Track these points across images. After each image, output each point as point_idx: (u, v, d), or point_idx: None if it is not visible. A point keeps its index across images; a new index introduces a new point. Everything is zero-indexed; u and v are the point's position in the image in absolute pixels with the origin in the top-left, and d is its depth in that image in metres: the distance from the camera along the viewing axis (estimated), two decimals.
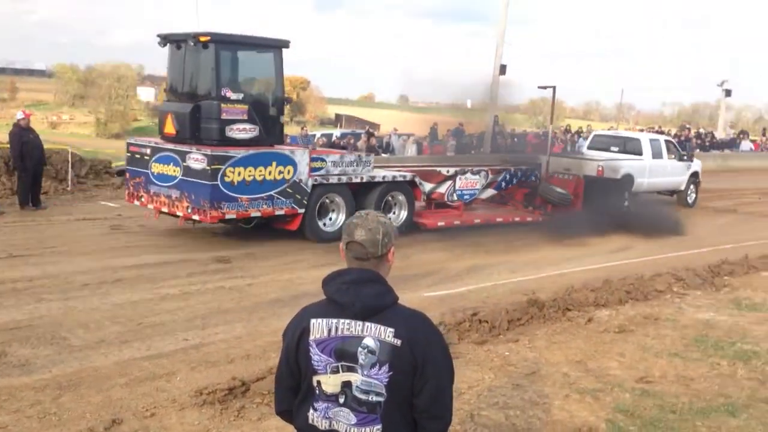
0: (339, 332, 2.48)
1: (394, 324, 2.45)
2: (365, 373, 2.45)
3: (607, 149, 17.85)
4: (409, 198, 12.46)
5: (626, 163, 16.50)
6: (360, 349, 2.45)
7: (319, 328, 2.50)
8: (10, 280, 8.25)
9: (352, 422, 2.49)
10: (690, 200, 18.57)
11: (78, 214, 12.95)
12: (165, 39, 11.46)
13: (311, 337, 2.50)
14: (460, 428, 4.92)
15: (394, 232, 2.58)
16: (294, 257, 10.39)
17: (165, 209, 11.03)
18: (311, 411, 2.54)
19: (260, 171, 10.55)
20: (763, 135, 41.57)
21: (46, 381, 5.50)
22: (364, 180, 11.90)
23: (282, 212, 10.92)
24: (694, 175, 18.62)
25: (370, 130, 29.57)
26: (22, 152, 12.93)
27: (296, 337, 2.53)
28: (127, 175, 11.81)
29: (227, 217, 10.43)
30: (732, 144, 36.32)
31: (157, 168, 11.02)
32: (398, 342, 2.43)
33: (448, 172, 13.41)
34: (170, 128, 11.25)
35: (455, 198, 13.46)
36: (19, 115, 13.46)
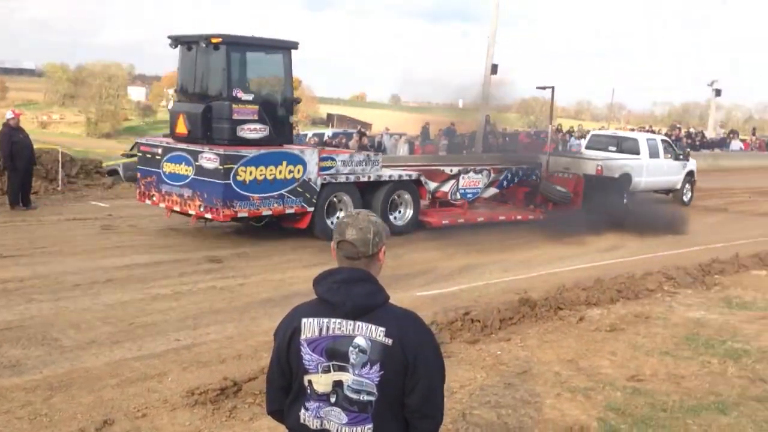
0: (330, 331, 2.48)
1: (386, 323, 2.45)
2: (356, 372, 2.45)
3: (604, 149, 18.11)
4: (414, 197, 12.62)
5: (624, 163, 16.67)
6: (351, 348, 2.45)
7: (310, 327, 2.50)
8: (1, 281, 8.20)
9: (344, 422, 2.48)
10: (686, 199, 18.88)
11: (68, 214, 12.89)
12: (176, 40, 11.56)
13: (302, 337, 2.50)
14: (452, 427, 4.92)
15: (385, 232, 2.58)
16: (286, 257, 10.38)
17: (177, 208, 11.17)
18: (303, 410, 2.54)
19: (271, 170, 10.69)
20: (753, 134, 41.87)
21: (37, 382, 5.48)
22: (372, 179, 12.05)
23: (292, 211, 11.04)
24: (690, 174, 18.95)
25: (362, 130, 29.55)
26: (12, 152, 12.87)
27: (287, 337, 2.53)
28: (139, 174, 11.93)
29: (239, 215, 10.55)
30: (722, 143, 36.54)
31: (168, 167, 11.13)
32: (389, 341, 2.43)
33: (451, 171, 13.61)
34: (182, 128, 11.36)
35: (458, 197, 13.69)
36: (9, 114, 13.39)
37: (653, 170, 17.43)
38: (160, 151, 11.34)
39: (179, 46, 11.55)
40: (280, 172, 10.77)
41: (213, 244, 10.99)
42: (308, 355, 2.49)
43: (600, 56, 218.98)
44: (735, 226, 15.84)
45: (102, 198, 14.89)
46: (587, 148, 18.92)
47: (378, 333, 2.44)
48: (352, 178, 11.76)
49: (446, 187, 13.46)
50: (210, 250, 10.38)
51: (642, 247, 12.52)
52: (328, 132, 27.00)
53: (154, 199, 11.52)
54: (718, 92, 40.55)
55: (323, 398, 2.50)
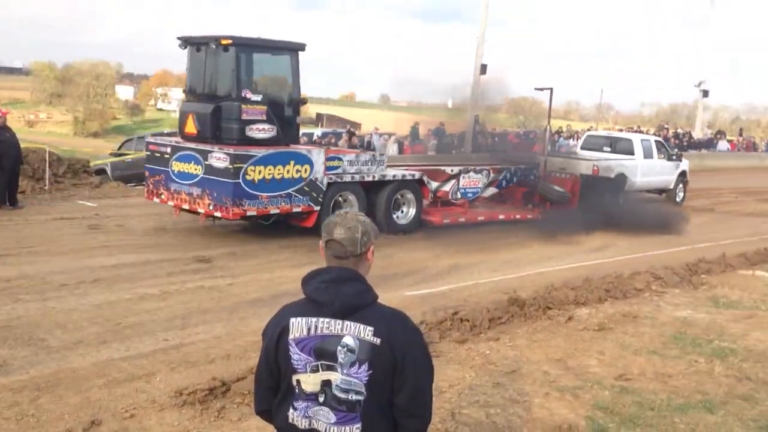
0: (318, 331, 2.47)
1: (374, 322, 2.45)
2: (345, 371, 2.45)
3: (599, 149, 18.32)
4: (417, 196, 12.77)
5: (619, 163, 16.82)
6: (339, 347, 2.45)
7: (298, 327, 2.49)
8: None
9: (332, 421, 2.48)
10: (678, 199, 19.13)
11: (55, 213, 12.79)
12: (185, 42, 11.61)
13: (291, 336, 2.50)
14: (441, 427, 4.93)
15: (373, 231, 2.58)
16: (275, 256, 10.36)
17: (186, 206, 11.23)
18: (291, 410, 2.54)
19: (279, 169, 10.80)
20: (740, 135, 42.16)
21: (23, 382, 5.44)
22: (377, 179, 12.18)
23: (299, 209, 11.14)
24: (683, 174, 19.23)
25: (352, 130, 29.51)
26: None
27: (276, 336, 2.53)
28: (147, 173, 11.96)
29: (248, 214, 10.64)
30: (709, 144, 36.75)
31: (177, 166, 11.19)
32: (378, 340, 2.43)
33: (452, 170, 13.76)
34: (191, 128, 11.44)
35: (459, 196, 13.85)
36: None
37: (647, 170, 17.67)
38: (168, 150, 11.43)
39: (188, 47, 11.63)
40: (288, 171, 10.91)
41: (201, 243, 10.95)
42: (297, 355, 2.49)
43: (599, 56, 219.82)
44: (721, 226, 15.96)
45: (89, 197, 14.80)
46: (582, 148, 19.17)
47: (366, 332, 2.44)
48: (357, 177, 11.91)
49: (447, 187, 13.62)
50: (198, 250, 10.35)
51: (630, 247, 12.59)
52: (317, 132, 26.89)
53: (163, 197, 11.58)
54: (705, 93, 40.74)
55: (312, 398, 2.50)
